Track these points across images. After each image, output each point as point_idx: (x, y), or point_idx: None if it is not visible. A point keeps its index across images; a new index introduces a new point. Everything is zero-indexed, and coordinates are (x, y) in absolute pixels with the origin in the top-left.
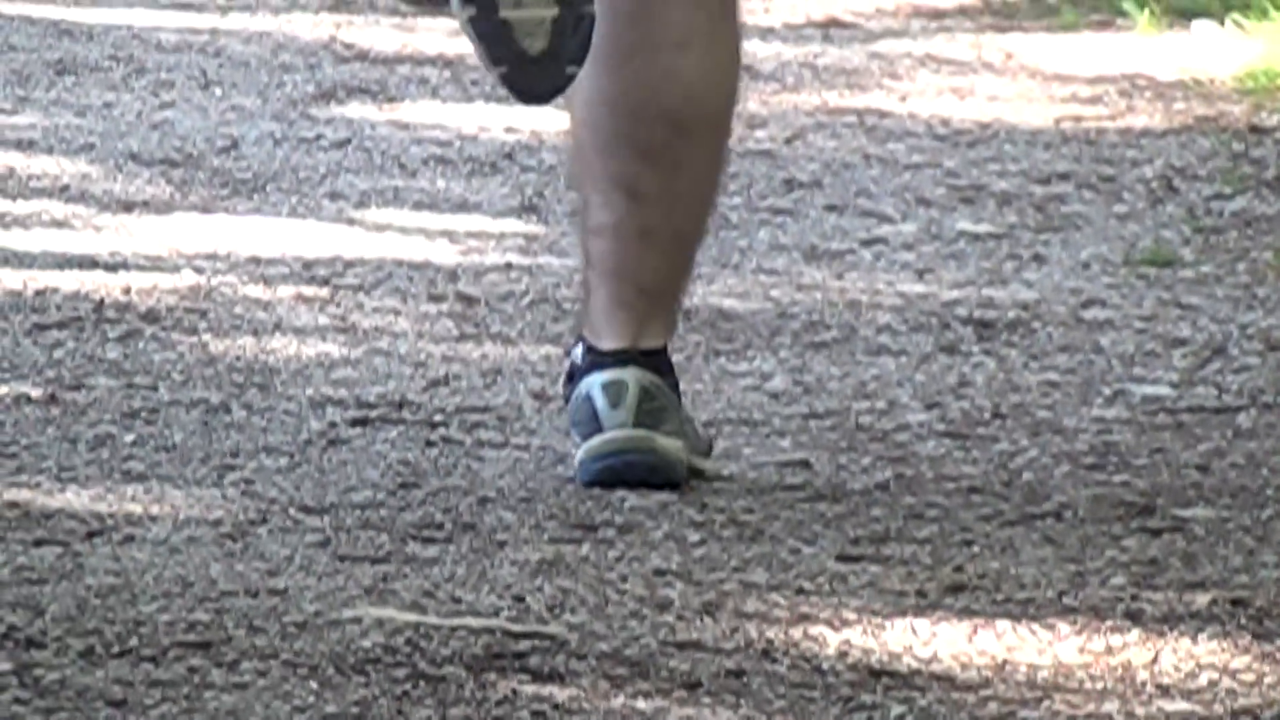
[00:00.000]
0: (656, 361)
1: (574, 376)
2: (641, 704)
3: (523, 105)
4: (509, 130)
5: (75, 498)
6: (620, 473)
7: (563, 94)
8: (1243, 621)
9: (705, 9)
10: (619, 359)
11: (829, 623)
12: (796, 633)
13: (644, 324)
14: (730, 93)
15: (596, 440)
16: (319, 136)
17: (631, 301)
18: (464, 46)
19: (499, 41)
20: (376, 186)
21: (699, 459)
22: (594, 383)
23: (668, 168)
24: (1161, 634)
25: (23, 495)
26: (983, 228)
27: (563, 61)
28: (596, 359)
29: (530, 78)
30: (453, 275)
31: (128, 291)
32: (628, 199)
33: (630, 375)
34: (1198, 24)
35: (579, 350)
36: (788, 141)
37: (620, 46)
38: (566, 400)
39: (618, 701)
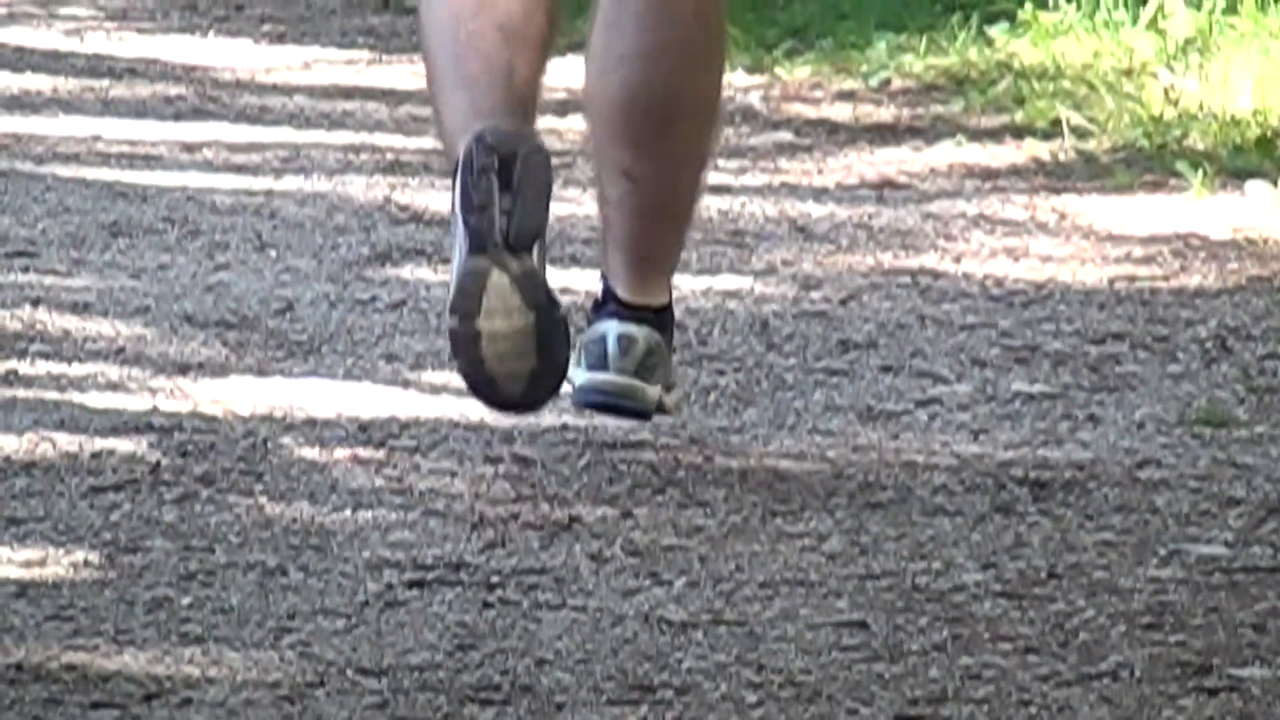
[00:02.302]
0: (664, 317)
1: (598, 312)
2: None
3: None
4: (564, 291)
5: (132, 660)
6: (609, 410)
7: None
8: None
9: (679, 21)
10: (638, 316)
11: None
12: None
13: (651, 285)
14: (708, 92)
15: (601, 377)
16: (374, 298)
17: (638, 267)
18: None
19: (483, 388)
20: (432, 348)
21: (665, 395)
22: (612, 329)
23: (655, 157)
24: None
25: (80, 658)
26: (1038, 388)
27: (537, 398)
28: (619, 309)
29: (506, 407)
30: (508, 436)
31: (184, 454)
32: (625, 181)
33: (643, 335)
34: (1251, 185)
35: (602, 286)
36: (842, 302)
37: (611, 55)
38: (588, 321)
39: None
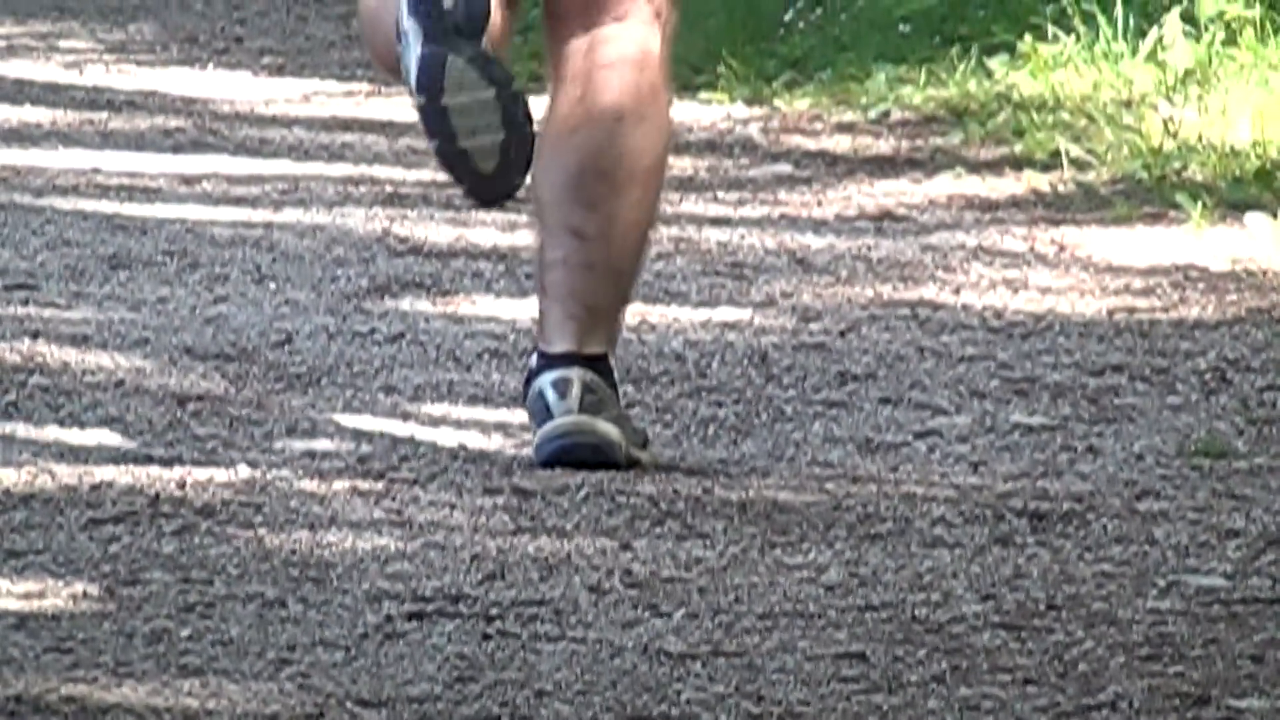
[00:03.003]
0: (599, 365)
1: (530, 379)
2: None
3: (482, 208)
4: None
5: (132, 692)
6: (569, 452)
7: (513, 198)
8: None
9: (636, 91)
10: (566, 360)
11: None
12: None
13: (588, 334)
14: (657, 157)
15: (549, 426)
16: (373, 330)
17: (579, 315)
18: (518, 240)
19: (460, 165)
20: (431, 380)
21: (636, 450)
22: (545, 380)
23: (605, 216)
24: None
25: (79, 690)
26: (1036, 420)
27: (511, 175)
28: (548, 361)
29: (486, 190)
30: (508, 468)
31: (183, 486)
32: (574, 239)
33: (575, 373)
34: (1250, 216)
35: (534, 358)
36: (841, 334)
37: (568, 121)
38: (525, 399)
39: None
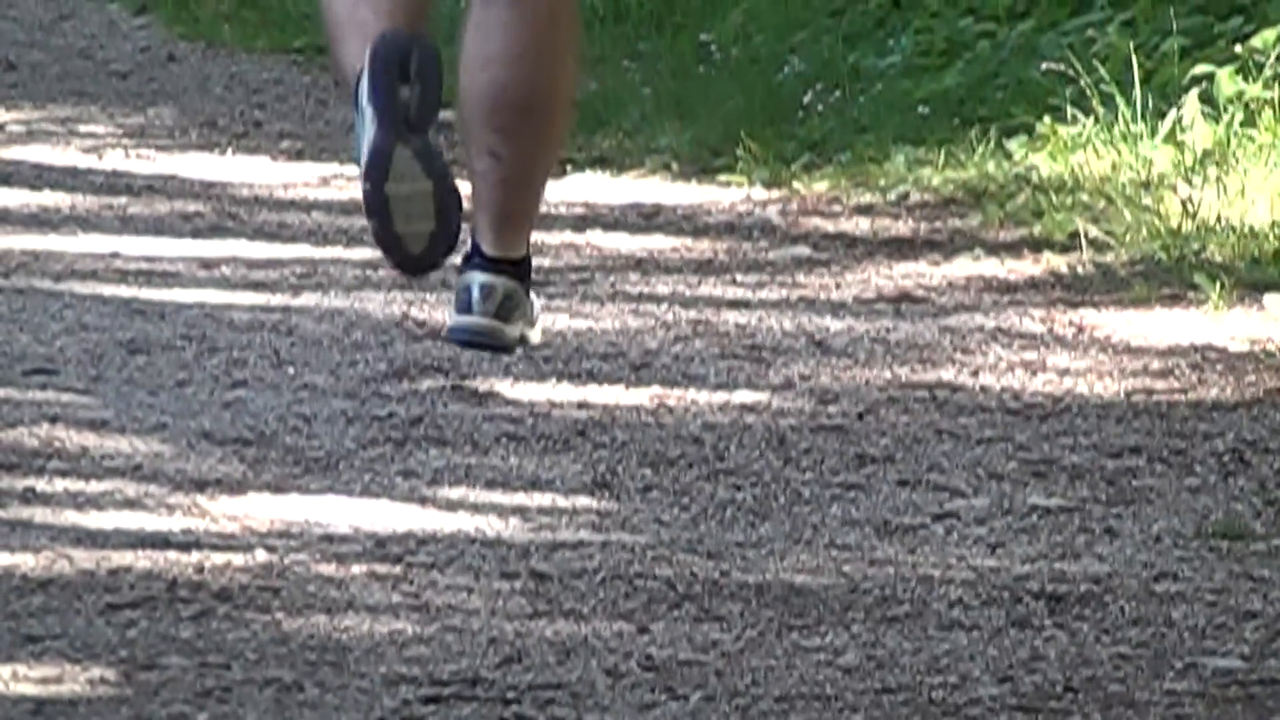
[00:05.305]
0: (520, 268)
1: (466, 262)
2: None
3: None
4: (581, 406)
5: None
6: (472, 344)
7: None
8: None
9: (537, 28)
10: (497, 267)
11: None
12: None
13: (507, 240)
14: (564, 84)
15: (466, 320)
16: (391, 414)
17: (499, 226)
18: None
19: (392, 245)
20: (449, 464)
21: (528, 329)
22: (475, 279)
23: (517, 140)
24: None
25: None
26: (1054, 502)
27: (436, 256)
28: (482, 260)
29: (411, 266)
30: (525, 552)
31: (201, 570)
32: (491, 159)
33: (500, 283)
34: (1269, 297)
35: (470, 243)
36: (859, 416)
37: (480, 57)
38: (460, 271)
39: None
